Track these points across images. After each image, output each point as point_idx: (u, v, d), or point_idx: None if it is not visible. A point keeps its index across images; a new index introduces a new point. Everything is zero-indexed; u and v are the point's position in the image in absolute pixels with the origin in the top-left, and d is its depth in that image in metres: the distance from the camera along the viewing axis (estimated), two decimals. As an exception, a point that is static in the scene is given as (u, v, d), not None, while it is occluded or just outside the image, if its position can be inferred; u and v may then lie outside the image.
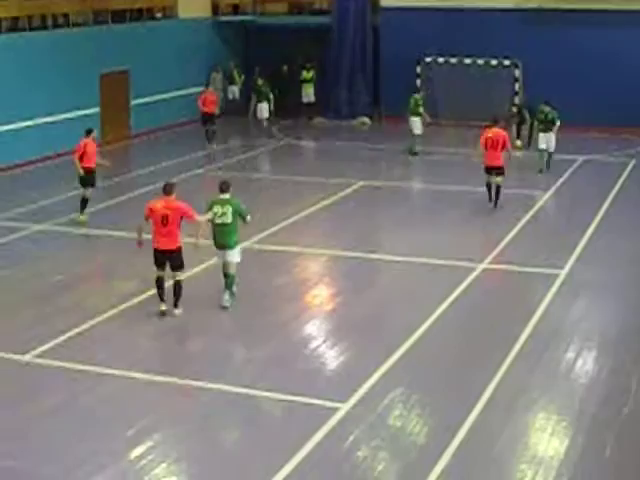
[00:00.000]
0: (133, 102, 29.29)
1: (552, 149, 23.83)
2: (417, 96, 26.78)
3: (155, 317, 13.87)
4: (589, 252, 17.63)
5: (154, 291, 14.43)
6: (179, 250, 13.92)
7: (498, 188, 20.32)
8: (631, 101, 29.01)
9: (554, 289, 15.49)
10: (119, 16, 29.29)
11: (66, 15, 27.54)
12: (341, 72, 32.50)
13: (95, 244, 18.61)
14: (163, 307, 14.03)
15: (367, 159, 26.96)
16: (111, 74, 28.06)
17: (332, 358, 13.02)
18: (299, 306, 15.15)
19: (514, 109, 27.99)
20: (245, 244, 17.81)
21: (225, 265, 14.52)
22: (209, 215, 14.12)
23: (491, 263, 16.94)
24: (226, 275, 14.52)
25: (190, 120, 30.06)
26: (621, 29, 29.57)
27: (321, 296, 15.77)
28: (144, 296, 14.88)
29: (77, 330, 13.66)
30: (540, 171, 23.91)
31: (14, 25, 25.82)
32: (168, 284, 14.22)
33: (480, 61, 30.46)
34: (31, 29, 26.29)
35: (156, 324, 13.84)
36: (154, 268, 14.13)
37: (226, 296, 14.43)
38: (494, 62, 30.39)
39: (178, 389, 11.94)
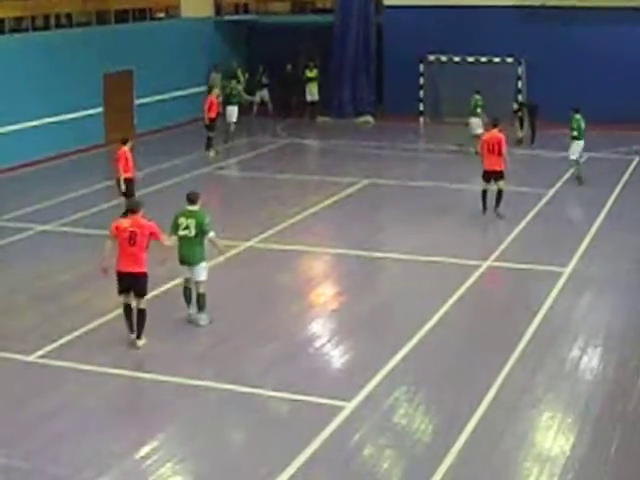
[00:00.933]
0: (137, 102, 29.32)
1: (570, 156, 22.93)
2: (478, 97, 26.51)
3: (159, 317, 13.84)
4: (593, 249, 17.62)
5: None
6: (144, 275, 13.12)
7: (500, 192, 19.83)
8: (634, 98, 29.00)
9: (558, 287, 15.48)
10: (122, 16, 29.34)
11: (69, 15, 27.60)
12: (344, 71, 32.49)
13: (99, 244, 18.53)
14: (133, 336, 13.25)
15: (371, 157, 26.95)
16: (114, 74, 28.07)
17: (337, 357, 13.04)
18: (304, 305, 15.15)
19: (515, 106, 27.92)
20: (249, 243, 17.84)
21: (192, 283, 13.87)
22: (174, 239, 13.58)
23: (495, 261, 16.93)
24: (197, 296, 13.82)
25: (194, 119, 30.03)
26: (624, 26, 29.57)
27: (326, 295, 15.77)
28: (147, 296, 14.82)
29: (83, 330, 13.69)
30: (578, 182, 22.92)
31: (17, 25, 25.87)
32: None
33: (483, 59, 30.48)
34: (34, 29, 26.34)
35: (160, 324, 13.83)
36: (119, 294, 13.27)
37: (202, 315, 13.87)
38: (497, 60, 30.42)
39: (183, 389, 11.93)
